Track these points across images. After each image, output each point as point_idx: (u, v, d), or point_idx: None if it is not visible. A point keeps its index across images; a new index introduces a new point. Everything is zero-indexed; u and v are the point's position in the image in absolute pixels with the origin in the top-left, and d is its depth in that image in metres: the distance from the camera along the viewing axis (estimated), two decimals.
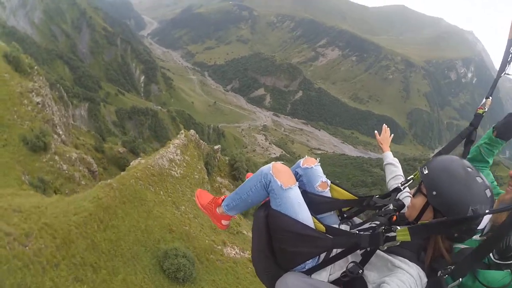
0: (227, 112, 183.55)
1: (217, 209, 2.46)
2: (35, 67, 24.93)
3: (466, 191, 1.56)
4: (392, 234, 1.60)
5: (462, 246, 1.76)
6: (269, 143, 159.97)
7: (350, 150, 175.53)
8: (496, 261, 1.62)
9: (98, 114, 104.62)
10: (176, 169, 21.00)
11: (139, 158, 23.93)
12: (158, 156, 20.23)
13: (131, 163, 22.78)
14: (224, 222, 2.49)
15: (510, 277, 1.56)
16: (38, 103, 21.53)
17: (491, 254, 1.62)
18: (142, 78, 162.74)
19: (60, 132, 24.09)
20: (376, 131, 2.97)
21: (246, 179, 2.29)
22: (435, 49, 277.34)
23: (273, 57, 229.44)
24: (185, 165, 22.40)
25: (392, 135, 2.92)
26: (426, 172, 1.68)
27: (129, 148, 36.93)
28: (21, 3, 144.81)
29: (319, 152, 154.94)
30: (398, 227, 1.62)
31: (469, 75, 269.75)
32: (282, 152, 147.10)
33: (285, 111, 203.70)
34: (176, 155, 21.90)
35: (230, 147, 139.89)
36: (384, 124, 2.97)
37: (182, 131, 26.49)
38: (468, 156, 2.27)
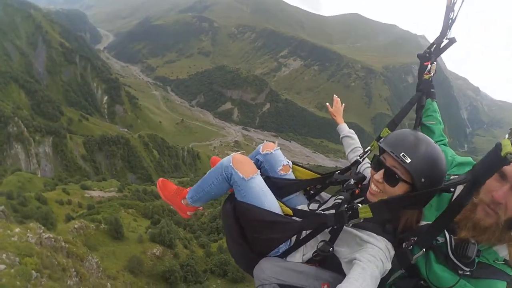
0: (196, 130, 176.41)
1: (182, 201, 2.45)
2: None
3: (444, 166, 1.61)
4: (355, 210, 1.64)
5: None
6: None
7: (322, 159, 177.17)
8: (452, 257, 1.59)
9: (65, 149, 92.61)
10: None
11: None
12: None
13: None
14: (189, 213, 2.51)
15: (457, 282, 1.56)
16: None
17: (449, 250, 1.60)
18: (105, 98, 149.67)
19: None
20: (327, 103, 2.91)
21: (208, 172, 2.25)
22: (391, 55, 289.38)
23: (238, 69, 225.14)
24: None
25: (344, 104, 2.90)
26: (409, 161, 1.56)
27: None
28: None
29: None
30: (360, 205, 1.65)
31: None
32: None
33: (254, 124, 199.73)
34: None
35: (206, 168, 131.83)
36: (335, 95, 2.94)
37: None
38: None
